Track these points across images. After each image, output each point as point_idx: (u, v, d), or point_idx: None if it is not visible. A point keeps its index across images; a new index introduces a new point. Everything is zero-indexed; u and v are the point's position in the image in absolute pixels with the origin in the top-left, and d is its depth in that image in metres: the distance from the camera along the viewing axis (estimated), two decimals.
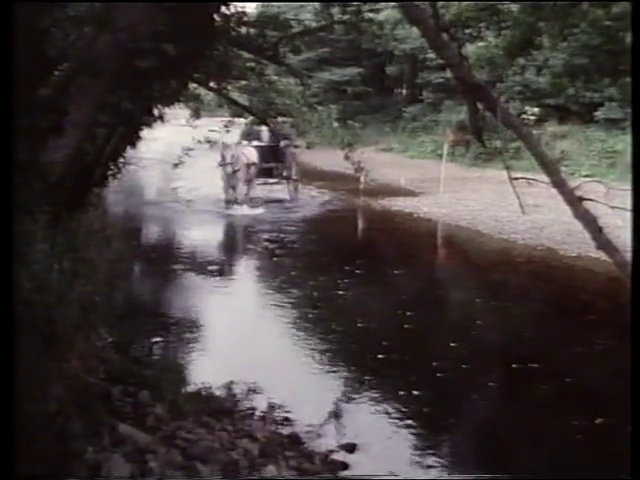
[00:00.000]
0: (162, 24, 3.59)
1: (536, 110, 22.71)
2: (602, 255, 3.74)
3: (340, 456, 4.74)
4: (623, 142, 20.70)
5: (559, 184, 3.23)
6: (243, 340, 7.01)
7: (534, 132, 21.76)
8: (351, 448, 4.85)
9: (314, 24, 8.62)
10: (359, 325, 7.78)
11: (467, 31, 5.98)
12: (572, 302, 8.68)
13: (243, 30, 7.90)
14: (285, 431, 5.11)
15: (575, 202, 3.15)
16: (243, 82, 9.05)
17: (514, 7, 6.02)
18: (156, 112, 5.67)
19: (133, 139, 4.87)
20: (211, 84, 8.75)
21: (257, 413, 5.41)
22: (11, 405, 2.28)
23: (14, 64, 2.71)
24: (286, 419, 5.33)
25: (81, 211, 4.73)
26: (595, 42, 6.73)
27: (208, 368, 6.26)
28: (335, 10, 7.86)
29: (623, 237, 8.70)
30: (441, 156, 10.83)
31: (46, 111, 3.22)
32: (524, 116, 22.37)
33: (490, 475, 4.72)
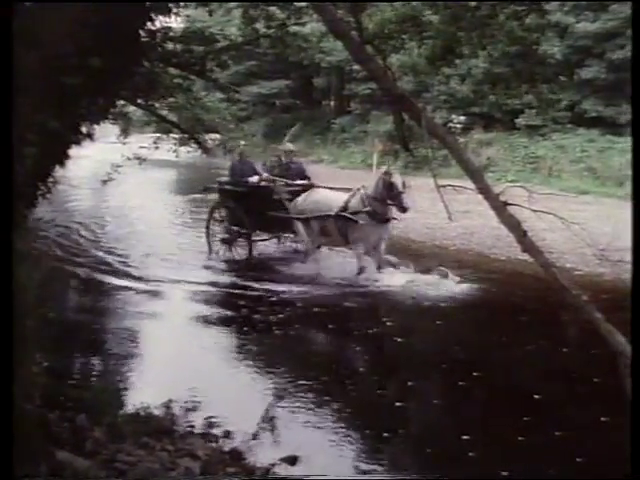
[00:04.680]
0: (87, 40, 3.56)
1: (462, 118, 23.32)
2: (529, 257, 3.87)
3: (282, 469, 4.75)
4: (544, 148, 21.49)
5: (484, 190, 3.34)
6: (181, 357, 6.94)
7: (461, 140, 22.41)
8: (292, 460, 4.86)
9: (240, 39, 8.65)
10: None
11: (390, 42, 6.13)
12: (502, 304, 8.93)
13: (169, 46, 7.88)
14: (226, 447, 5.09)
15: (500, 207, 3.27)
16: (171, 99, 9.01)
17: (435, 18, 6.20)
18: (84, 130, 5.58)
19: (62, 158, 4.78)
20: (139, 101, 8.67)
21: (197, 430, 5.37)
22: (11, 406, 2.21)
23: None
24: (227, 435, 5.31)
25: (10, 232, 4.60)
26: (513, 51, 6.99)
27: (146, 388, 6.17)
28: (260, 24, 7.92)
29: (549, 239, 9.08)
30: (371, 166, 11.00)
31: None
32: (450, 124, 22.98)
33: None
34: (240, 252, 11.06)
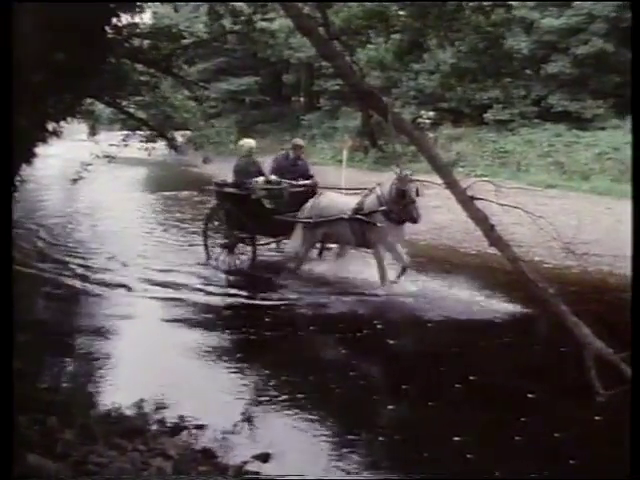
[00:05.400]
0: (52, 36, 3.53)
1: (431, 114, 23.42)
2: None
3: (255, 466, 4.74)
4: (513, 142, 21.73)
5: (452, 185, 3.37)
6: (151, 356, 6.89)
7: (430, 135, 22.55)
8: (265, 457, 4.86)
9: (206, 35, 8.61)
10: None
11: (357, 38, 6.16)
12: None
13: (136, 42, 7.82)
14: (198, 446, 5.07)
15: (467, 202, 3.30)
16: (139, 96, 8.95)
17: (402, 13, 6.24)
18: (51, 127, 5.52)
19: (28, 156, 4.72)
20: (106, 98, 8.60)
21: (169, 429, 5.34)
22: (11, 407, 2.18)
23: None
24: (199, 433, 5.29)
25: None
26: (480, 46, 7.05)
27: (118, 387, 6.12)
28: (226, 21, 7.90)
29: (519, 233, 9.15)
30: (341, 162, 10.99)
31: None
32: (420, 120, 23.06)
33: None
34: (241, 257, 10.49)
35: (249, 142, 10.78)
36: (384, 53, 7.14)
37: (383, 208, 9.07)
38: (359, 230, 9.32)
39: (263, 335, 7.74)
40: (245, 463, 4.79)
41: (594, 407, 3.83)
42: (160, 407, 5.69)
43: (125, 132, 9.70)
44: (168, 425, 5.40)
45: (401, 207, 8.88)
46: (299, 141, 11.36)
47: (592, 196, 16.93)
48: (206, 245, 10.92)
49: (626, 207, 15.05)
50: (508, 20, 6.41)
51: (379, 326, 7.97)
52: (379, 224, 9.06)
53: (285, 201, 10.20)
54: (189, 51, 8.76)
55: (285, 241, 10.61)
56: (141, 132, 9.33)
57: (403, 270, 9.22)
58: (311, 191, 10.38)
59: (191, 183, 21.42)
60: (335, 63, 3.84)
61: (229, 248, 10.53)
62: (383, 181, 9.36)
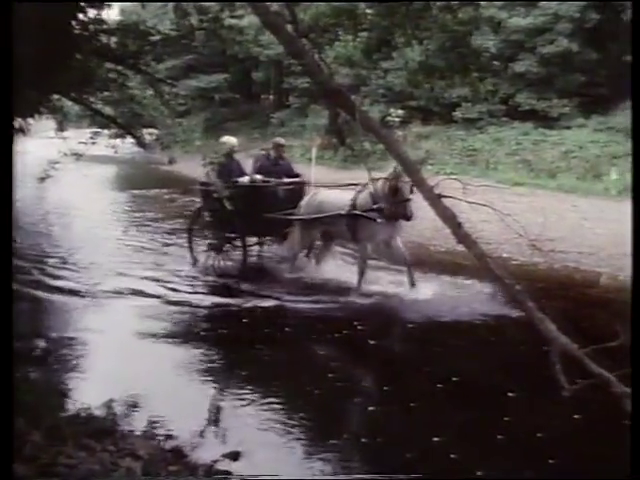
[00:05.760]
0: (17, 31, 3.47)
1: (400, 112, 23.51)
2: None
3: (225, 465, 4.73)
4: (481, 140, 21.92)
5: (419, 183, 3.39)
6: (121, 356, 6.83)
7: (399, 133, 22.65)
8: (235, 456, 4.85)
9: (174, 32, 8.53)
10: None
11: (326, 35, 6.17)
12: None
13: (103, 39, 7.74)
14: (168, 445, 5.04)
15: (434, 199, 3.33)
16: (106, 93, 8.86)
17: (369, 11, 6.27)
18: (17, 124, 5.44)
19: None
20: (73, 94, 8.49)
21: (139, 430, 5.30)
22: (11, 407, 2.15)
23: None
24: (169, 433, 5.27)
25: None
26: (448, 45, 7.11)
27: (87, 388, 6.06)
28: (194, 17, 7.85)
29: (487, 230, 9.22)
30: (310, 160, 10.98)
31: None
32: (389, 118, 23.16)
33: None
34: (231, 258, 10.21)
35: (230, 140, 10.51)
36: (352, 51, 7.15)
37: (377, 205, 8.93)
38: (352, 226, 9.24)
39: (241, 336, 7.69)
40: (215, 462, 4.77)
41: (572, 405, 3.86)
42: (131, 407, 5.65)
43: (93, 129, 9.56)
44: (138, 425, 5.37)
45: (394, 204, 8.76)
46: (280, 140, 11.10)
47: (559, 194, 17.17)
48: (191, 247, 10.60)
49: (591, 205, 15.42)
50: (475, 19, 6.46)
51: (359, 327, 7.88)
52: (378, 220, 8.92)
53: (279, 199, 9.93)
54: (157, 48, 8.68)
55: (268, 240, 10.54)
56: (109, 130, 9.21)
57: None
58: (300, 189, 10.17)
59: (160, 181, 21.30)
60: (303, 61, 3.84)
61: (217, 249, 10.21)
62: (377, 178, 9.01)
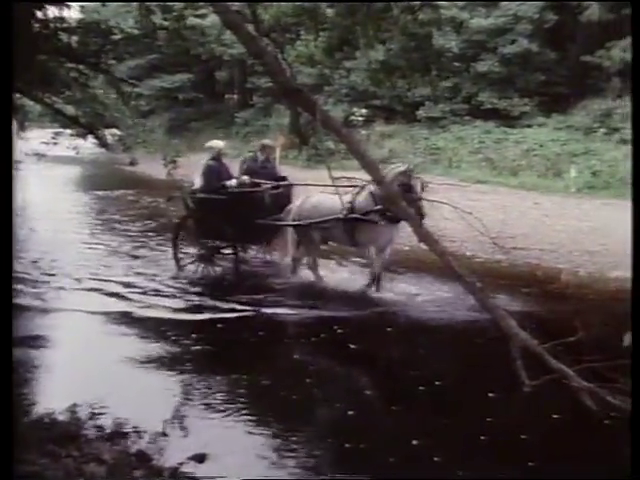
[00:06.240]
0: None
1: (364, 111, 23.65)
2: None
3: (190, 467, 4.70)
4: (444, 139, 22.13)
5: (379, 181, 3.41)
6: (84, 359, 6.73)
7: (363, 132, 22.76)
8: (201, 458, 4.81)
9: (136, 31, 8.46)
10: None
11: (287, 35, 6.18)
12: None
13: (64, 37, 7.64)
14: (133, 449, 4.99)
15: (395, 198, 3.35)
16: (68, 93, 8.76)
17: (330, 11, 6.29)
18: None
19: None
20: (34, 94, 8.37)
21: (103, 434, 5.23)
22: (10, 407, 2.09)
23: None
24: (134, 436, 5.21)
25: None
26: (410, 45, 7.17)
27: (51, 392, 5.97)
28: (157, 16, 7.80)
29: (451, 228, 9.26)
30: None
31: None
32: (353, 117, 23.27)
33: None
34: (216, 269, 9.70)
35: (217, 144, 10.08)
36: (314, 50, 7.13)
37: (378, 207, 8.30)
38: (350, 230, 8.77)
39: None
40: (181, 464, 4.74)
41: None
42: (95, 412, 5.57)
43: (55, 129, 9.40)
44: (103, 429, 5.31)
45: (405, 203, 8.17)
46: (268, 141, 10.61)
47: (520, 191, 17.40)
48: (176, 256, 10.03)
49: (551, 202, 15.62)
50: (437, 20, 6.51)
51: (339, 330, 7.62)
52: (381, 223, 8.43)
53: (267, 204, 9.44)
54: (119, 47, 8.60)
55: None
56: (71, 130, 9.07)
57: (375, 278, 8.72)
58: (288, 192, 9.72)
59: (124, 182, 21.06)
60: (263, 60, 3.83)
61: (206, 259, 9.72)
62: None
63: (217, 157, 9.81)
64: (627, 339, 2.68)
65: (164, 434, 5.21)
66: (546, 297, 8.78)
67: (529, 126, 21.03)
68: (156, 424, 5.30)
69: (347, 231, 8.82)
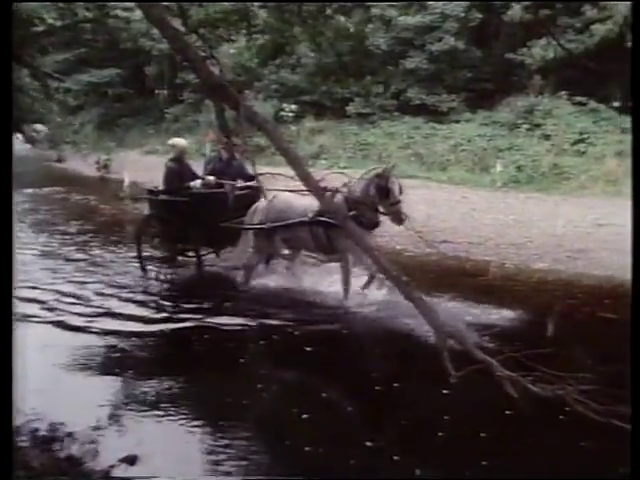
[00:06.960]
0: None
1: (293, 107, 23.66)
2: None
3: (122, 470, 4.63)
4: (374, 135, 22.35)
5: (304, 177, 3.43)
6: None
7: (292, 128, 22.79)
8: (132, 460, 4.74)
9: (59, 23, 8.24)
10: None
11: (217, 32, 6.11)
12: None
13: None
14: (63, 454, 4.89)
15: (319, 193, 3.38)
16: None
17: (263, 12, 6.23)
18: None
19: None
20: None
21: (33, 440, 5.11)
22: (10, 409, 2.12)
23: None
24: (64, 441, 5.11)
25: None
26: (343, 46, 7.20)
27: None
28: (80, 9, 7.63)
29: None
30: (204, 155, 10.79)
31: None
32: (282, 113, 23.26)
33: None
34: (180, 272, 9.41)
35: (180, 142, 9.64)
36: (247, 54, 7.06)
37: (352, 213, 7.34)
38: (323, 235, 8.09)
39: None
40: (112, 467, 4.67)
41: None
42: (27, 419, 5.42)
43: None
44: (35, 436, 5.19)
45: (383, 208, 7.76)
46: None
47: (449, 186, 17.74)
48: (140, 259, 9.58)
49: (479, 196, 15.93)
50: (368, 19, 6.56)
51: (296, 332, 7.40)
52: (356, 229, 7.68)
53: (230, 206, 8.97)
54: (41, 39, 8.37)
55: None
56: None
57: (371, 279, 8.05)
58: (256, 192, 8.81)
59: (55, 179, 20.49)
60: (185, 55, 3.78)
61: (168, 261, 9.47)
62: (350, 181, 8.05)
63: (179, 157, 9.31)
64: (550, 329, 2.79)
65: (96, 436, 5.13)
66: (475, 289, 8.99)
67: (457, 122, 21.44)
68: (88, 429, 5.22)
69: (318, 237, 8.19)
